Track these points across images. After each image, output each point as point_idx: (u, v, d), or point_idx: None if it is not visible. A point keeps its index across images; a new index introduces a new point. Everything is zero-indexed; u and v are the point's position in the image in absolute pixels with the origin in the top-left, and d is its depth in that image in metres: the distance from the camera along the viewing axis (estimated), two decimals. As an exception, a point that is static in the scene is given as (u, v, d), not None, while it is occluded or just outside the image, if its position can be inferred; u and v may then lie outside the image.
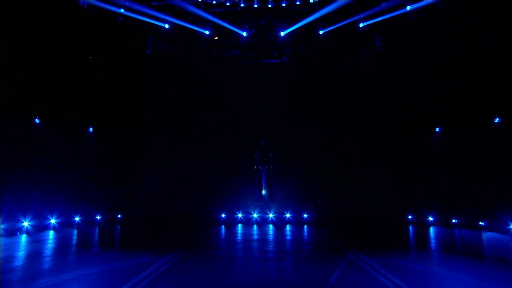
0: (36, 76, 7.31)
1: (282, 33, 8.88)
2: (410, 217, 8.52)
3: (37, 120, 7.52)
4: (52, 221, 7.59)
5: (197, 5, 8.41)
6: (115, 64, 8.73)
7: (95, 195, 8.65)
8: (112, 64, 8.69)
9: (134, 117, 9.29)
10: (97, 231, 7.44)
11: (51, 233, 6.97)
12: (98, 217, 8.52)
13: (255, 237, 6.85)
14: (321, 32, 8.79)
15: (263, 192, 8.70)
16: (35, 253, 5.12)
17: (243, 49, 9.83)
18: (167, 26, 8.59)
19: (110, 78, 8.67)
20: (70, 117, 8.12)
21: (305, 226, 8.18)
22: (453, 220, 7.69)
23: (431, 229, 7.59)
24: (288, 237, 6.83)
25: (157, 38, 9.59)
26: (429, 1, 7.60)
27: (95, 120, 8.63)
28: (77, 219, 8.11)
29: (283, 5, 8.41)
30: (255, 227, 8.11)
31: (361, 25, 8.41)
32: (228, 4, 8.52)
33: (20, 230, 6.92)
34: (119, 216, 8.84)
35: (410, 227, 7.92)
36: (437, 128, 8.15)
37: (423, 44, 8.45)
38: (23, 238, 6.41)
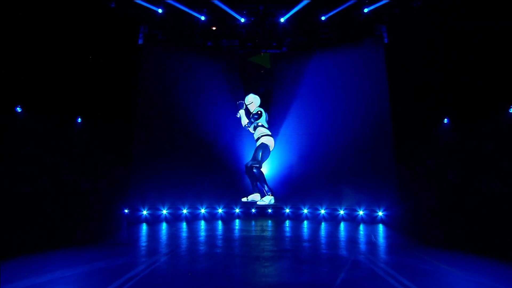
0: (20, 64, 6.87)
1: (282, 19, 8.43)
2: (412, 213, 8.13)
3: (18, 109, 7.10)
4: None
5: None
6: (107, 52, 8.31)
7: (87, 189, 8.28)
8: (104, 52, 8.28)
9: (128, 108, 8.84)
10: (88, 226, 7.08)
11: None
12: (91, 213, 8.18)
13: (253, 233, 6.51)
14: (323, 18, 8.33)
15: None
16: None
17: (242, 39, 9.40)
18: (160, 10, 8.11)
19: (102, 67, 8.26)
20: (59, 107, 7.70)
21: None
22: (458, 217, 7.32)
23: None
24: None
25: (151, 27, 9.11)
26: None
27: (85, 111, 8.23)
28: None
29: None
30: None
31: (365, 10, 7.94)
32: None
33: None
34: (112, 211, 8.47)
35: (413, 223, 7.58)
36: (446, 119, 7.76)
37: (430, 32, 8.01)
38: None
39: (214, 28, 9.02)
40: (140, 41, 9.01)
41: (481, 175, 7.14)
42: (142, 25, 8.97)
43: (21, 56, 6.89)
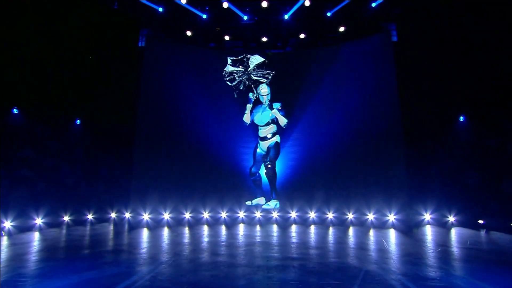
0: (18, 64, 6.74)
1: (286, 16, 8.17)
2: (428, 217, 7.74)
3: (15, 111, 6.96)
4: (38, 221, 7.03)
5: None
6: (109, 54, 8.17)
7: (87, 193, 8.11)
8: (106, 54, 8.13)
9: (129, 110, 8.66)
10: (86, 232, 6.87)
11: (36, 234, 6.42)
12: (90, 217, 8.01)
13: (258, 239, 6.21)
14: (328, 14, 8.03)
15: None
16: (14, 257, 4.55)
17: (245, 39, 9.18)
18: (161, 9, 7.92)
19: (103, 68, 8.12)
20: (59, 109, 7.55)
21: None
22: (480, 221, 6.92)
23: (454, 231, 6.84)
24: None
25: (154, 29, 8.95)
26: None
27: (86, 113, 8.08)
28: (66, 218, 7.61)
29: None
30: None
31: (373, 4, 7.61)
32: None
33: (3, 230, 6.37)
34: (112, 216, 8.28)
35: (428, 228, 7.19)
36: (462, 117, 7.36)
37: (441, 28, 7.65)
38: (5, 239, 5.85)
39: (218, 29, 8.81)
40: (143, 43, 8.85)
41: (502, 177, 6.72)
42: (145, 26, 8.81)
43: (19, 56, 6.76)
